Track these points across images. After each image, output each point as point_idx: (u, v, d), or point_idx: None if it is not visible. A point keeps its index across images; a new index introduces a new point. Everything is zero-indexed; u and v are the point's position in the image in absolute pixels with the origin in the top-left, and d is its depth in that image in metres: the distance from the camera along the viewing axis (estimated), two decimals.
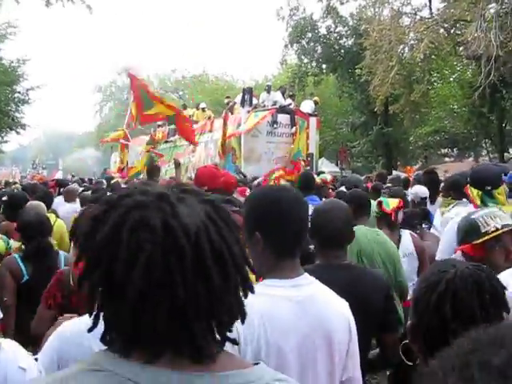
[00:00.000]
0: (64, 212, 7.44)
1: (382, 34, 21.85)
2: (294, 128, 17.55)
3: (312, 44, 31.15)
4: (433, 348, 1.54)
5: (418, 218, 5.56)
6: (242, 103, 18.30)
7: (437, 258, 3.71)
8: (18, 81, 30.35)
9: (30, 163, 61.86)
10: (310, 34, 31.16)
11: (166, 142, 21.70)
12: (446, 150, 42.26)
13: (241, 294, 1.12)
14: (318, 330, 2.00)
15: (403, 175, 12.06)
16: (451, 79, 29.97)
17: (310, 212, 4.97)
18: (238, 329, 1.73)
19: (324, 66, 31.05)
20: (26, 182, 22.57)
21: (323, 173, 11.08)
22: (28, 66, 30.52)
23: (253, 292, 1.15)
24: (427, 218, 5.84)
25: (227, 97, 22.16)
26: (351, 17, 30.69)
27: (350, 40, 30.91)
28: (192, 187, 1.18)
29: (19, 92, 30.92)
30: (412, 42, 22.66)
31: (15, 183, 17.14)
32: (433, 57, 21.90)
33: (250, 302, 1.38)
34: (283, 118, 17.67)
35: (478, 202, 4.01)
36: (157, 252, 0.99)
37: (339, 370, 2.05)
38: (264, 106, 18.33)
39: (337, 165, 34.38)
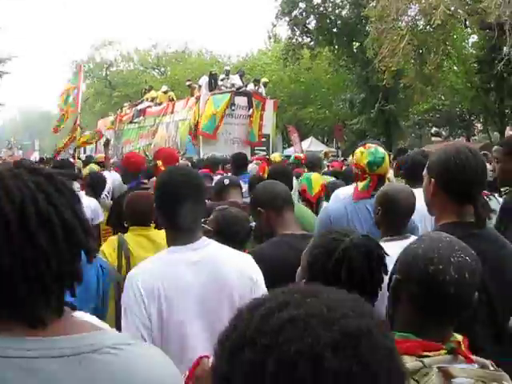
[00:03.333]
0: None
1: (388, 1, 19.81)
2: (251, 110, 18.65)
3: (305, 15, 28.92)
4: None
5: None
6: (210, 87, 19.27)
7: None
8: None
9: (5, 144, 59.89)
10: (302, 5, 28.98)
11: (131, 122, 23.13)
12: (435, 130, 40.87)
13: (78, 257, 1.16)
14: (215, 286, 2.26)
15: None
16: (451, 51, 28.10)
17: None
18: (139, 288, 2.17)
19: (320, 38, 28.75)
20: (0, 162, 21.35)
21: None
22: None
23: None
24: None
25: (188, 80, 23.21)
26: None
27: (348, 10, 28.77)
28: (28, 164, 1.32)
29: None
30: (419, 9, 20.64)
31: None
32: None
33: (150, 266, 2.31)
34: (241, 101, 18.76)
35: None
36: None
37: None
38: (221, 88, 19.27)
39: (323, 143, 32.66)
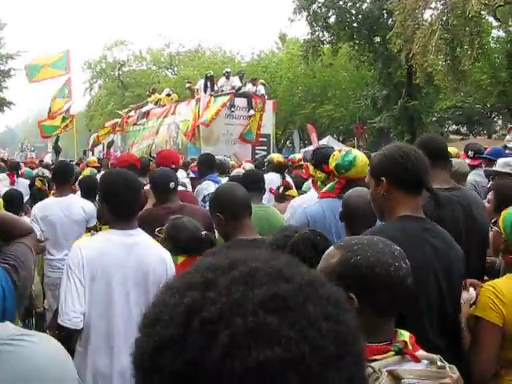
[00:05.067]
0: None
1: None
2: (251, 111, 18.78)
3: (325, 9, 27.87)
4: None
5: None
6: (205, 89, 19.36)
7: None
8: None
9: (18, 146, 59.70)
10: None
11: (135, 124, 23.53)
12: (455, 127, 39.87)
13: None
14: (139, 266, 2.94)
15: None
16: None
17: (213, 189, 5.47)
18: (82, 255, 2.86)
19: (340, 33, 27.62)
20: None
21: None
22: (6, 34, 27.43)
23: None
24: None
25: (188, 82, 23.75)
26: None
27: (368, 3, 27.69)
28: None
29: None
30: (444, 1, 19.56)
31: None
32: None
33: (92, 241, 3.13)
34: (241, 102, 18.90)
35: None
36: None
37: None
38: (222, 90, 19.36)
39: (340, 141, 31.58)
